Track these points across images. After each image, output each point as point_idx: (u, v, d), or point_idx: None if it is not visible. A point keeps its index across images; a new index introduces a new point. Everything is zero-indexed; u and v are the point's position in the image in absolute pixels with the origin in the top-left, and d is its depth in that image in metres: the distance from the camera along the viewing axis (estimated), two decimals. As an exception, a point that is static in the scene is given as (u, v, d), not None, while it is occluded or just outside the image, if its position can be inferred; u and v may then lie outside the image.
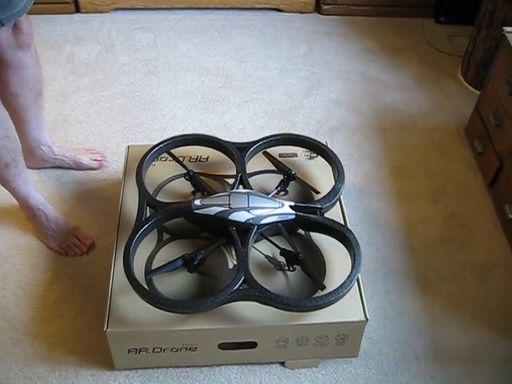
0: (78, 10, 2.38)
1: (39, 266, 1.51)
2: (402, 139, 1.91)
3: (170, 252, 1.34)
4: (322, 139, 1.58)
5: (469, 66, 2.10)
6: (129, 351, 1.26)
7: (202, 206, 1.30)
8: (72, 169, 1.75)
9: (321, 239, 1.36)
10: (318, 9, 2.46)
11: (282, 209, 1.31)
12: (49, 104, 1.97)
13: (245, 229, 1.28)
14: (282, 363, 1.34)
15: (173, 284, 1.28)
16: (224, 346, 1.27)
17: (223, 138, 1.51)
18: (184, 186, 1.47)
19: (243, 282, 1.19)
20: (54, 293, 1.46)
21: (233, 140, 1.54)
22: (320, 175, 1.52)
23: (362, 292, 1.27)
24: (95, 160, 1.75)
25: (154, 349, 1.26)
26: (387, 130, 1.94)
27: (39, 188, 1.70)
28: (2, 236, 1.58)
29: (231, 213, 1.27)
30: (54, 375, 1.31)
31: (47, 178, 1.74)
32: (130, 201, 1.43)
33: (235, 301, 1.19)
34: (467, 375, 1.34)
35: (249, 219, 1.27)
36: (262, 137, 1.50)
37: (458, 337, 1.40)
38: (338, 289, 1.18)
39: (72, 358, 1.34)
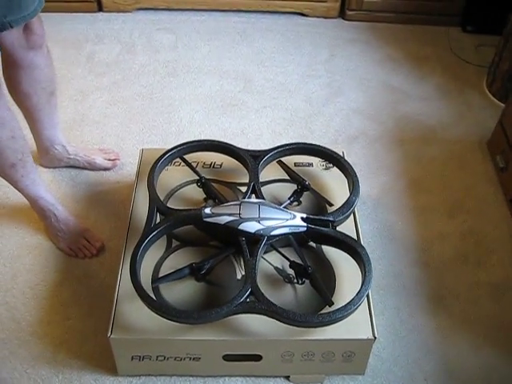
0: (100, 8, 2.39)
1: (49, 267, 1.51)
2: (422, 151, 1.87)
3: (178, 259, 1.32)
4: (339, 148, 1.55)
5: (494, 77, 2.05)
6: (132, 358, 1.25)
7: (212, 215, 1.28)
8: (86, 169, 1.75)
9: (332, 252, 1.33)
10: (342, 14, 2.43)
11: (293, 220, 1.28)
12: (67, 103, 1.98)
13: (254, 239, 1.25)
14: (287, 377, 1.31)
15: (180, 292, 1.26)
16: (228, 358, 1.25)
17: (240, 144, 1.49)
18: (196, 193, 1.45)
19: (250, 294, 1.17)
20: (62, 294, 1.46)
21: (249, 146, 1.53)
22: (335, 186, 1.49)
23: (371, 309, 1.24)
24: (109, 159, 1.75)
25: (157, 357, 1.25)
26: (406, 141, 1.90)
27: (53, 187, 1.70)
28: (14, 235, 1.59)
29: (241, 223, 1.25)
30: (57, 378, 1.31)
31: (61, 177, 1.74)
32: (141, 205, 1.42)
33: (241, 313, 1.17)
34: (477, 399, 1.31)
35: (259, 230, 1.25)
36: (277, 145, 1.47)
37: (469, 358, 1.36)
38: (345, 306, 1.15)
39: (76, 361, 1.34)
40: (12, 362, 1.33)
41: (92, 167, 1.75)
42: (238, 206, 1.28)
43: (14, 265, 1.52)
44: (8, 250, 1.55)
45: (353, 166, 1.44)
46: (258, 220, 1.26)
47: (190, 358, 1.24)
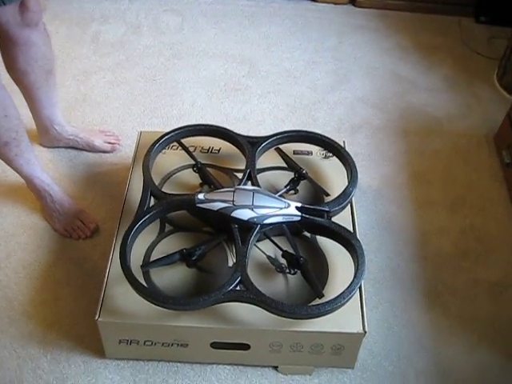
0: (108, -13, 2.36)
1: (43, 247, 1.51)
2: (426, 143, 1.83)
3: (170, 244, 1.31)
4: (342, 137, 1.53)
5: (505, 70, 2.00)
6: (120, 341, 1.24)
7: (205, 201, 1.26)
8: (85, 150, 1.74)
9: (327, 243, 1.31)
10: (352, 1, 2.38)
11: (287, 209, 1.26)
12: (69, 83, 1.96)
13: (247, 227, 1.24)
14: (276, 367, 1.30)
15: (170, 277, 1.25)
16: (216, 346, 1.24)
17: (241, 130, 1.46)
18: (192, 178, 1.43)
19: (239, 282, 1.16)
20: (54, 275, 1.45)
21: (250, 132, 1.51)
22: (334, 176, 1.46)
23: (363, 303, 1.21)
24: (108, 143, 1.74)
25: (145, 341, 1.24)
26: (411, 133, 1.86)
27: (51, 167, 1.69)
28: (9, 213, 1.58)
29: (234, 210, 1.23)
30: (46, 358, 1.31)
31: (60, 157, 1.73)
32: (137, 188, 1.40)
33: (229, 301, 1.16)
34: (468, 398, 1.28)
35: (252, 218, 1.23)
36: (275, 132, 1.45)
37: (463, 357, 1.34)
38: (335, 298, 1.13)
39: (65, 342, 1.33)
40: (2, 341, 1.33)
41: (91, 149, 1.73)
42: (232, 193, 1.26)
43: (9, 243, 1.51)
44: (3, 229, 1.54)
45: (353, 156, 1.42)
46: (252, 208, 1.24)
47: (178, 345, 1.23)
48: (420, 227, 1.59)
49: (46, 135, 1.70)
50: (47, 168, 1.67)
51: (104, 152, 1.74)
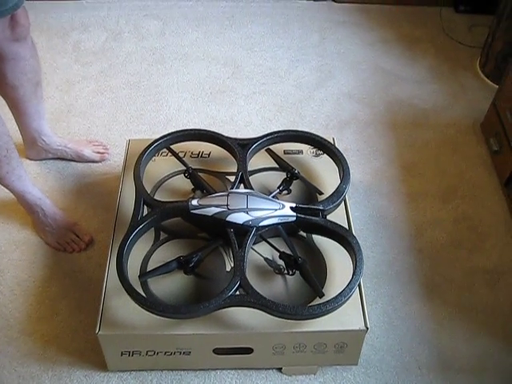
0: (86, -5, 2.34)
1: (37, 262, 1.49)
2: (415, 135, 1.84)
3: (166, 252, 1.30)
4: (331, 134, 1.53)
5: (488, 58, 2.01)
6: (122, 353, 1.23)
7: (200, 206, 1.25)
8: (74, 161, 1.72)
9: (324, 242, 1.31)
10: (332, -4, 2.39)
11: (282, 210, 1.26)
12: (53, 93, 1.94)
13: (243, 231, 1.23)
14: (280, 369, 1.30)
15: (169, 286, 1.24)
16: (219, 351, 1.23)
17: (229, 132, 1.46)
18: (184, 183, 1.43)
19: (238, 287, 1.15)
20: (50, 290, 1.44)
21: (239, 134, 1.50)
22: (326, 174, 1.46)
23: (363, 299, 1.21)
24: (97, 152, 1.72)
25: (147, 352, 1.23)
26: (399, 125, 1.87)
27: (40, 180, 1.67)
28: (1, 230, 1.56)
29: (229, 214, 1.23)
30: (47, 375, 1.29)
31: (49, 170, 1.71)
32: (129, 197, 1.38)
33: (229, 307, 1.15)
34: (472, 387, 1.29)
35: (247, 221, 1.23)
36: (265, 133, 1.44)
37: (464, 346, 1.35)
38: (336, 297, 1.12)
39: (66, 357, 1.32)
40: (1, 360, 1.31)
41: (80, 159, 1.72)
42: (226, 197, 1.25)
43: (2, 261, 1.49)
44: (-5, 246, 1.53)
45: (344, 153, 1.42)
46: (246, 211, 1.23)
47: (180, 353, 1.23)
48: (414, 219, 1.60)
49: (33, 147, 1.68)
50: (36, 181, 1.65)
51: (93, 162, 1.72)
